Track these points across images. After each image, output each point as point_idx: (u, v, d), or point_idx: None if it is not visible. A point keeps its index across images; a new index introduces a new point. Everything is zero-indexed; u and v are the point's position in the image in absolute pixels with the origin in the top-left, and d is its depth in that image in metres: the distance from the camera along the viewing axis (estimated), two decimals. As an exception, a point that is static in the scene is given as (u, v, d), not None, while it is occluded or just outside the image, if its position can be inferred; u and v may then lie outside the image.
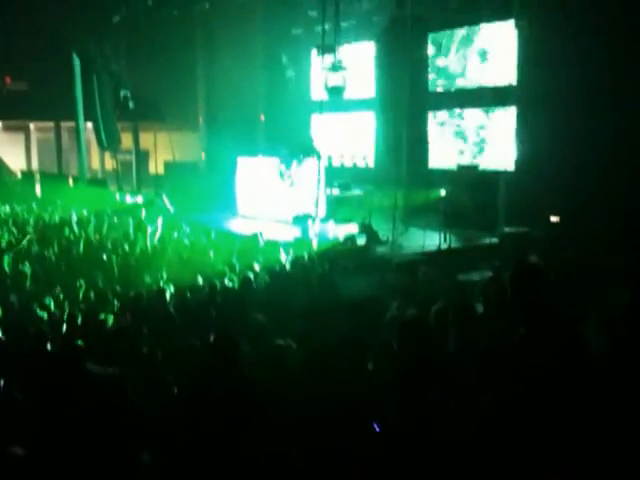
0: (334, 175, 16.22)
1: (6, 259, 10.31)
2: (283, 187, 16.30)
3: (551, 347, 3.57)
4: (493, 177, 15.04)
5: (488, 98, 15.82)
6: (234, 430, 4.25)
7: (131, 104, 21.45)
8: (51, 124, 26.41)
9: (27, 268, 9.56)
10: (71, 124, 24.45)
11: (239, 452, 4.08)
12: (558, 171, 13.07)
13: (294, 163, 16.14)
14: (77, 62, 22.15)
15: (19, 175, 23.00)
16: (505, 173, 15.15)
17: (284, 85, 19.80)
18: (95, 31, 21.32)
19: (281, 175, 16.54)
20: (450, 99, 16.75)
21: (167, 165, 23.34)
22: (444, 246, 12.98)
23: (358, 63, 18.32)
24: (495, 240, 13.14)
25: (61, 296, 8.55)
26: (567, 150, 12.93)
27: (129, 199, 18.74)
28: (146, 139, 24.82)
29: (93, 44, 21.71)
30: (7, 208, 16.49)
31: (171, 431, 4.41)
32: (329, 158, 17.74)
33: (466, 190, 14.37)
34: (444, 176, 15.73)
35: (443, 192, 14.44)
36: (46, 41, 22.61)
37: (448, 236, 13.25)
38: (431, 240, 13.05)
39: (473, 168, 15.65)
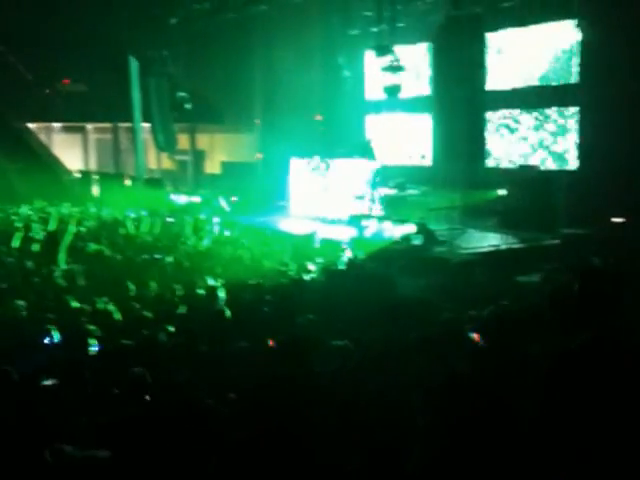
0: (390, 175, 16.05)
1: (62, 258, 10.46)
2: (339, 187, 16.20)
3: (619, 351, 3.44)
4: (553, 177, 14.70)
5: (547, 98, 15.51)
6: (302, 433, 4.18)
7: (188, 105, 21.67)
8: (109, 125, 26.89)
9: (81, 267, 9.68)
10: (129, 125, 24.85)
11: (307, 455, 4.00)
12: (620, 171, 12.72)
13: (351, 164, 16.03)
14: (134, 64, 22.49)
15: (77, 175, 23.45)
16: (565, 173, 14.80)
17: (340, 86, 19.72)
18: (153, 34, 21.60)
19: (316, 172, 16.50)
20: (508, 98, 16.50)
21: (223, 165, 23.51)
22: (502, 247, 12.69)
23: (414, 63, 18.16)
24: (555, 241, 12.80)
25: (116, 296, 8.61)
26: (630, 150, 12.56)
27: (185, 199, 18.91)
28: (203, 140, 25.07)
29: (151, 46, 22.00)
30: (65, 207, 16.79)
31: (237, 434, 4.36)
32: (385, 158, 17.57)
33: (525, 190, 14.04)
34: (502, 176, 15.45)
35: (501, 192, 14.16)
36: (104, 44, 23.02)
37: (506, 237, 12.97)
38: (489, 241, 12.79)
39: (532, 168, 15.32)
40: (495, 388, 4.10)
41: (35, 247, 11.24)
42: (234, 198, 17.83)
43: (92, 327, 6.81)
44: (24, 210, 16.19)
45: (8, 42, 24.10)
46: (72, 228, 11.91)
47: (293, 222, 15.74)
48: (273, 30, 21.36)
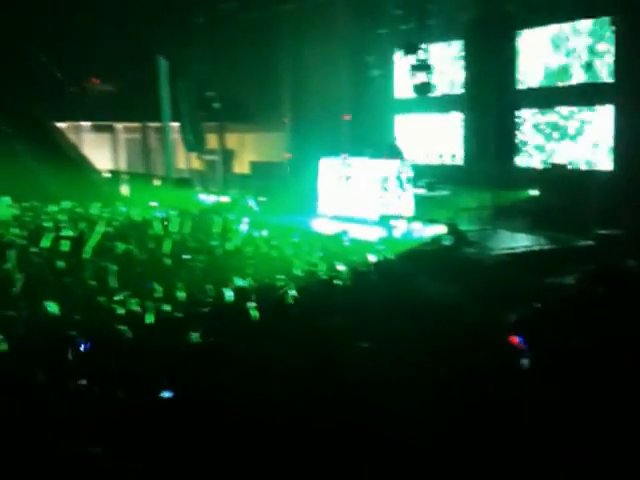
0: (420, 174, 15.90)
1: (88, 256, 10.48)
2: (368, 187, 16.09)
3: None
4: (586, 177, 14.45)
5: (580, 96, 15.28)
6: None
7: (217, 105, 21.69)
8: (138, 125, 27.04)
9: (111, 266, 9.67)
10: (158, 124, 24.95)
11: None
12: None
13: (381, 164, 15.91)
14: (163, 64, 22.57)
15: (106, 175, 23.59)
16: (598, 173, 14.55)
17: (369, 85, 19.61)
18: (181, 33, 21.66)
19: (345, 172, 16.42)
20: (540, 97, 16.29)
21: (252, 165, 23.50)
22: (534, 248, 12.50)
23: (445, 61, 18.02)
24: (588, 243, 12.58)
25: (146, 296, 8.59)
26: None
27: (214, 199, 18.92)
28: (232, 139, 25.09)
29: (179, 46, 22.07)
30: (94, 207, 16.88)
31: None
32: (415, 157, 17.45)
33: (557, 190, 13.83)
34: (534, 175, 15.24)
35: (533, 192, 13.95)
36: (133, 43, 23.15)
37: (538, 238, 12.77)
38: (520, 242, 12.61)
39: (564, 167, 15.09)
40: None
41: (65, 247, 11.27)
42: (263, 198, 17.79)
43: (123, 328, 6.81)
44: (54, 210, 16.29)
45: (38, 42, 24.34)
46: (100, 228, 11.95)
47: (322, 222, 15.67)
48: (301, 29, 21.31)
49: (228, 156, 25.31)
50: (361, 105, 19.99)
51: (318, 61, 20.76)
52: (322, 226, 14.97)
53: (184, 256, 11.03)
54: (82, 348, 6.22)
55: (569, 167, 15.10)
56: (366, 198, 16.02)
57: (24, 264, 9.86)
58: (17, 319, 7.20)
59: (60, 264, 9.88)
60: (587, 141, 15.22)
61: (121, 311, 7.56)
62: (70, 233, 12.07)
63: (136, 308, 7.73)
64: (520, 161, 16.62)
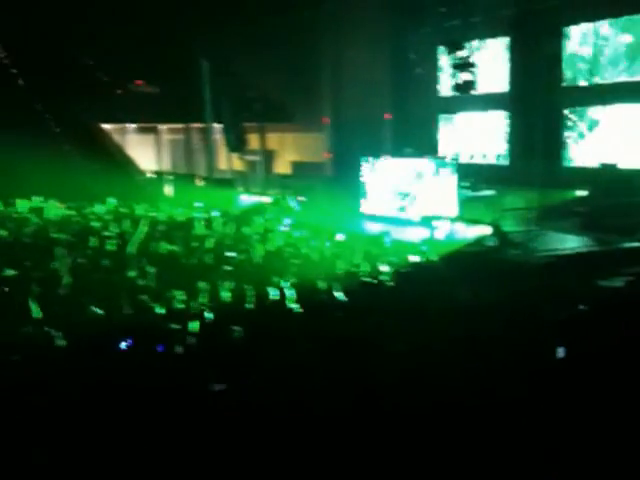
0: (464, 174, 15.70)
1: (132, 256, 10.57)
2: (411, 187, 15.96)
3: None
4: (637, 176, 14.10)
5: (629, 93, 14.93)
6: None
7: (258, 106, 21.75)
8: (181, 126, 27.30)
9: (153, 267, 9.74)
10: (201, 125, 25.13)
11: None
12: None
13: (423, 163, 15.76)
14: (205, 65, 22.73)
15: (150, 175, 23.86)
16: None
17: (411, 83, 19.45)
18: (223, 35, 21.77)
19: (387, 172, 16.27)
20: (588, 94, 15.95)
21: (293, 165, 23.51)
22: (582, 250, 12.21)
23: (489, 59, 17.79)
24: (638, 244, 12.25)
25: (187, 295, 8.62)
26: None
27: (256, 199, 18.98)
28: (273, 140, 25.15)
29: (221, 47, 22.20)
30: (138, 207, 17.06)
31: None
32: (459, 157, 17.23)
33: (607, 190, 13.50)
34: (582, 175, 14.93)
35: (581, 192, 13.66)
36: (176, 46, 23.36)
37: (586, 239, 12.48)
38: (568, 243, 12.34)
39: (614, 167, 14.74)
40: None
41: (110, 246, 11.41)
42: (303, 198, 17.77)
43: (172, 326, 6.87)
44: (99, 210, 16.52)
45: (84, 45, 24.73)
46: (144, 228, 12.05)
47: (364, 222, 15.58)
48: (342, 27, 21.25)
49: (269, 156, 25.38)
50: (403, 104, 19.85)
51: (359, 60, 20.66)
52: (364, 226, 14.88)
53: (226, 256, 11.07)
54: (124, 345, 6.26)
55: (619, 167, 14.75)
56: (408, 198, 15.88)
57: (71, 263, 9.99)
58: (65, 317, 7.29)
59: (105, 263, 9.99)
60: (637, 140, 14.87)
61: (161, 310, 7.60)
62: (115, 233, 12.22)
63: (181, 307, 7.77)
64: (567, 161, 16.32)
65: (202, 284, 8.94)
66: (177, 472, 4.08)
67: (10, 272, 9.39)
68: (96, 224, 13.90)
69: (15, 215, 15.02)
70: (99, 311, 7.42)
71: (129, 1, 22.37)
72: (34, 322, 7.15)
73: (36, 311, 7.37)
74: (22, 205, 15.92)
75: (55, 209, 16.09)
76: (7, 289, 8.55)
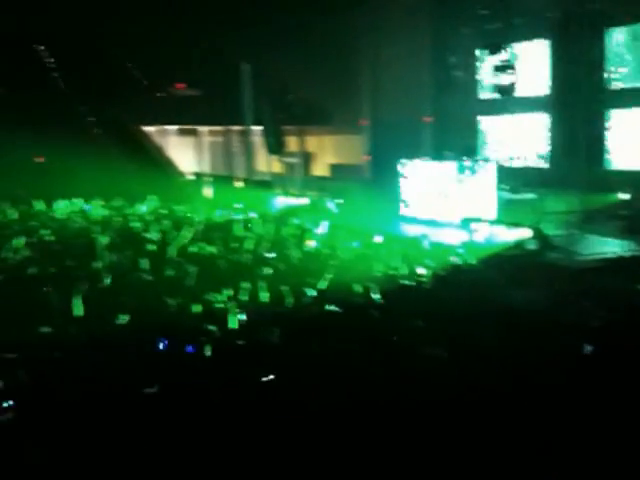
0: (505, 177, 15.53)
1: (172, 257, 10.68)
2: (450, 190, 15.84)
3: None
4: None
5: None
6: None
7: (297, 108, 21.82)
8: (221, 128, 27.52)
9: (193, 267, 9.82)
10: (240, 128, 25.30)
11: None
12: None
13: (463, 166, 15.64)
14: (246, 68, 22.87)
15: (190, 177, 24.10)
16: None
17: (451, 85, 19.31)
18: (263, 38, 21.89)
19: (426, 174, 16.17)
20: (630, 97, 15.67)
21: (331, 167, 23.52)
22: (625, 254, 11.98)
23: (530, 61, 17.59)
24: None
25: (226, 296, 8.68)
26: None
27: (294, 201, 19.02)
28: (311, 142, 25.21)
29: (261, 51, 22.31)
30: (178, 208, 17.24)
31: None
32: (499, 159, 17.06)
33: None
34: (624, 179, 14.65)
35: (624, 196, 13.41)
36: (217, 49, 23.58)
37: (630, 243, 12.25)
38: (610, 247, 12.12)
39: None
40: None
41: (151, 247, 11.55)
42: (341, 200, 17.77)
43: (211, 327, 6.93)
44: (140, 210, 16.74)
45: (125, 48, 25.08)
46: (186, 232, 12.20)
47: (402, 225, 15.52)
48: (381, 30, 21.21)
49: (307, 158, 25.45)
50: (442, 106, 19.71)
51: (398, 62, 20.60)
52: (402, 229, 14.82)
53: (265, 258, 11.12)
54: (161, 346, 6.31)
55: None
56: (447, 201, 15.78)
57: (112, 263, 10.14)
58: (104, 316, 7.40)
59: (144, 264, 10.11)
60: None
61: (198, 308, 7.66)
62: (156, 233, 12.37)
63: (220, 307, 7.84)
64: (610, 163, 16.04)
65: (241, 285, 9.01)
66: (227, 467, 4.10)
67: (52, 270, 9.57)
68: (137, 224, 14.09)
69: (57, 215, 15.28)
70: (124, 318, 7.44)
71: (171, 5, 22.63)
72: (75, 320, 7.27)
73: (77, 310, 7.49)
74: (64, 205, 16.20)
75: (97, 209, 16.35)
76: (50, 288, 8.71)
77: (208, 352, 6.25)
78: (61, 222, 14.42)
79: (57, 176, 17.38)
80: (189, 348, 6.29)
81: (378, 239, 12.84)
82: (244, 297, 8.66)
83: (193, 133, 28.79)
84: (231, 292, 8.69)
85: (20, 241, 11.30)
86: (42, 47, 25.73)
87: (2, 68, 22.96)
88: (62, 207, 15.84)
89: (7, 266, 10.10)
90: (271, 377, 5.48)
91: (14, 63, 23.16)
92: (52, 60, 25.77)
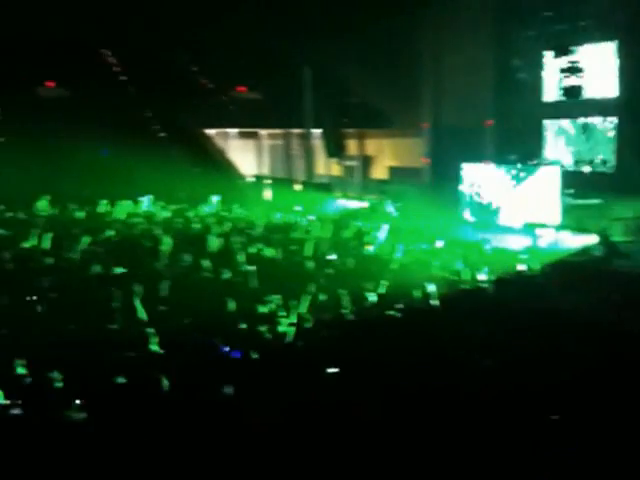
0: (569, 181, 15.19)
1: (232, 259, 10.77)
2: (513, 194, 15.59)
3: None
4: None
5: None
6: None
7: (357, 112, 21.81)
8: (281, 131, 27.69)
9: (253, 269, 9.89)
10: (300, 131, 25.41)
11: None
12: None
13: (526, 170, 15.38)
14: (307, 72, 22.98)
15: (250, 179, 24.34)
16: None
17: (515, 89, 18.97)
18: (324, 42, 21.94)
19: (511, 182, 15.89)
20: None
21: (390, 170, 23.41)
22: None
23: (598, 63, 17.16)
24: None
25: (285, 298, 8.71)
26: None
27: (353, 204, 19.03)
28: (371, 145, 25.14)
29: (321, 54, 22.38)
30: (238, 211, 17.42)
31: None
32: (563, 164, 16.70)
33: None
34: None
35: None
36: (278, 52, 23.74)
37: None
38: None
39: None
40: None
41: (212, 248, 11.68)
42: (401, 204, 17.68)
43: (263, 328, 6.95)
44: (201, 212, 16.97)
45: (190, 52, 25.50)
46: (246, 234, 12.33)
47: (463, 229, 15.33)
48: (443, 32, 21.03)
49: (367, 161, 25.39)
50: (506, 110, 19.38)
51: (460, 64, 20.37)
52: (464, 233, 14.64)
53: (324, 260, 11.13)
54: (225, 351, 6.31)
55: None
56: (510, 205, 15.53)
57: (174, 264, 10.30)
58: (167, 317, 7.50)
59: (207, 264, 10.23)
60: None
61: (264, 309, 7.70)
62: (216, 235, 12.52)
63: (280, 309, 7.87)
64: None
65: (300, 287, 9.03)
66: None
67: (118, 270, 9.76)
68: (198, 226, 14.29)
69: (121, 216, 15.59)
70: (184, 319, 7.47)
71: (234, 9, 22.90)
72: (138, 322, 7.37)
73: (140, 311, 7.59)
74: (128, 206, 16.52)
75: (159, 211, 16.64)
76: (114, 288, 8.89)
77: (263, 355, 6.25)
78: (125, 223, 14.72)
79: (121, 178, 17.77)
80: (236, 352, 6.29)
81: (438, 243, 12.72)
82: (303, 300, 8.68)
83: (253, 136, 29.05)
84: (290, 294, 8.71)
85: (85, 240, 11.56)
86: (110, 52, 26.39)
87: (72, 72, 23.63)
88: (126, 208, 16.15)
89: (73, 265, 10.35)
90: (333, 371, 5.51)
91: (83, 68, 23.79)
92: (119, 64, 26.40)
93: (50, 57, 23.13)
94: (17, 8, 22.36)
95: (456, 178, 17.08)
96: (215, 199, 18.26)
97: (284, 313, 7.84)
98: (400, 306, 8.37)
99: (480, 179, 16.47)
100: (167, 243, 11.71)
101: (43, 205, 15.93)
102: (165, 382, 5.19)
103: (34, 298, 8.22)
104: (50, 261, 10.40)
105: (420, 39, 21.96)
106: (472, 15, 19.52)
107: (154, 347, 6.37)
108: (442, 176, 18.98)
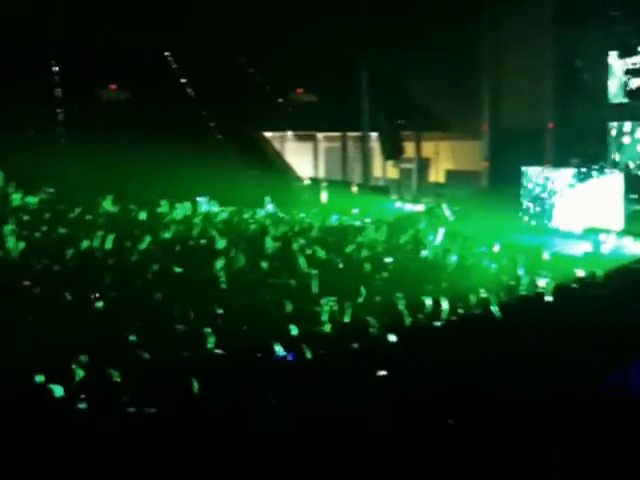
0: (634, 186, 14.80)
1: (289, 261, 10.83)
2: (574, 198, 15.28)
3: None
4: None
5: None
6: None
7: (415, 114, 21.69)
8: (338, 134, 27.69)
9: (309, 271, 9.93)
10: (357, 134, 25.40)
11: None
12: None
13: (588, 174, 15.06)
14: (363, 75, 22.95)
15: (306, 182, 24.40)
16: None
17: (577, 90, 18.57)
18: (381, 45, 21.90)
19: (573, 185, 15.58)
20: None
21: (448, 174, 23.21)
22: None
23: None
24: None
25: (341, 301, 8.72)
26: None
27: (410, 208, 18.92)
28: (428, 148, 24.97)
29: (379, 57, 22.32)
30: (295, 213, 17.49)
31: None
32: (628, 167, 16.28)
33: None
34: None
35: None
36: (334, 54, 23.79)
37: None
38: None
39: None
40: None
41: (269, 249, 11.77)
42: (458, 207, 17.50)
43: (325, 328, 6.99)
44: (258, 214, 17.12)
45: (249, 54, 25.78)
46: (302, 237, 12.39)
47: (522, 233, 15.10)
48: (503, 34, 20.75)
49: (424, 164, 25.22)
50: (568, 112, 18.98)
51: (520, 65, 20.06)
52: (522, 238, 14.41)
53: (380, 264, 11.10)
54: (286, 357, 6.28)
55: None
56: (571, 210, 15.23)
57: (231, 265, 10.41)
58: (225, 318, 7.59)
59: (264, 266, 10.32)
60: None
61: (325, 316, 7.71)
62: (273, 237, 12.61)
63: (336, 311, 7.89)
64: None
65: (356, 290, 9.03)
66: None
67: (178, 270, 9.92)
68: (255, 227, 14.41)
69: (180, 217, 15.82)
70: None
71: (291, 12, 23.06)
72: (192, 322, 7.45)
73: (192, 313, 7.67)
74: (187, 208, 16.76)
75: (217, 212, 16.84)
76: (173, 287, 9.04)
77: (320, 358, 6.26)
78: (184, 224, 14.94)
79: (180, 180, 18.05)
80: (291, 355, 6.26)
81: (496, 248, 12.55)
82: (360, 302, 8.69)
83: (310, 139, 29.14)
84: (346, 297, 8.72)
85: (146, 240, 11.78)
86: (170, 56, 26.89)
87: (135, 77, 24.17)
88: (184, 209, 16.39)
89: (135, 264, 10.57)
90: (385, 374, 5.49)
91: (146, 72, 24.30)
92: (179, 68, 26.87)
93: (114, 62, 23.70)
94: (84, 17, 23.04)
95: (516, 182, 16.84)
96: (271, 201, 18.41)
97: (340, 315, 7.86)
98: (457, 311, 8.30)
99: (541, 183, 16.19)
100: (225, 244, 11.86)
101: (106, 205, 16.30)
102: (221, 383, 5.25)
103: (96, 295, 8.42)
104: (112, 260, 10.64)
105: (480, 40, 21.71)
106: (533, 16, 19.20)
107: (212, 347, 6.43)
108: (501, 179, 18.72)
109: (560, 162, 16.19)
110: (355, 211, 17.60)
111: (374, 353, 6.45)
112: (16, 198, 16.35)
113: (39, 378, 5.10)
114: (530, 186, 16.44)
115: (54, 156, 19.11)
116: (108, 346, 6.16)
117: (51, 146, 20.95)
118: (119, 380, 5.29)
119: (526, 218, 16.35)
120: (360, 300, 8.87)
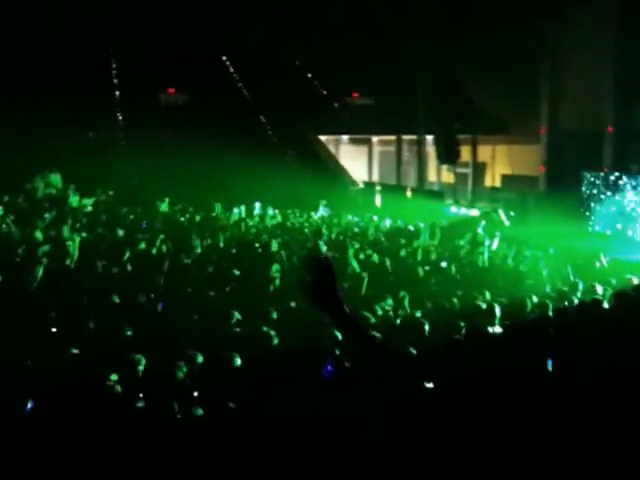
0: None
1: (343, 265, 10.81)
2: (635, 203, 14.92)
3: None
4: None
5: None
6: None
7: (471, 118, 21.51)
8: (392, 137, 27.64)
9: (365, 274, 9.91)
10: (411, 137, 25.30)
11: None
12: None
13: (625, 177, 14.69)
14: (420, 77, 22.85)
15: (360, 186, 24.39)
16: None
17: (637, 94, 18.14)
18: (438, 46, 21.78)
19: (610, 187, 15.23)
20: None
21: (504, 178, 22.92)
22: None
23: None
24: None
25: (392, 303, 8.69)
26: None
27: (464, 212, 18.74)
28: (483, 152, 24.71)
29: (436, 61, 22.19)
30: (349, 218, 17.50)
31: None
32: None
33: None
34: None
35: None
36: (391, 57, 23.76)
37: None
38: None
39: None
40: None
41: (322, 253, 11.78)
42: (514, 212, 17.26)
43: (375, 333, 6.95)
44: (312, 217, 17.18)
45: (306, 59, 25.96)
46: (357, 240, 12.38)
47: (580, 239, 14.79)
48: (561, 36, 20.42)
49: (479, 169, 24.97)
50: (629, 116, 18.55)
51: (579, 68, 19.71)
52: (581, 243, 14.12)
53: (434, 268, 11.02)
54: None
55: None
56: (632, 215, 14.86)
57: (285, 269, 10.46)
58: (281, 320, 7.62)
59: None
60: None
61: (372, 320, 7.68)
62: (327, 240, 12.65)
63: (389, 315, 7.86)
64: None
65: (410, 294, 8.98)
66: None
67: (235, 272, 10.02)
68: (309, 231, 14.46)
69: (234, 220, 15.97)
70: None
71: (347, 16, 23.15)
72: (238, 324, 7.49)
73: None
74: (241, 211, 16.92)
75: (271, 215, 16.97)
76: (229, 288, 9.14)
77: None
78: (238, 226, 15.08)
79: (237, 183, 18.24)
80: (329, 367, 6.19)
81: (552, 253, 12.34)
82: (413, 307, 8.63)
83: (365, 142, 29.15)
84: (400, 301, 8.69)
85: (198, 243, 11.91)
86: (228, 60, 27.27)
87: (193, 81, 24.58)
88: (239, 212, 16.54)
89: (190, 266, 10.71)
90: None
91: (202, 74, 24.68)
92: (237, 72, 27.22)
93: (173, 66, 24.15)
94: (144, 22, 23.55)
95: (574, 186, 16.51)
96: (326, 205, 18.45)
97: (395, 319, 7.83)
98: (511, 316, 8.17)
99: (600, 187, 15.84)
100: (278, 247, 11.93)
101: (163, 207, 16.58)
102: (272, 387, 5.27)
103: (152, 296, 8.54)
104: (168, 262, 10.79)
105: (538, 43, 21.40)
106: (592, 18, 18.87)
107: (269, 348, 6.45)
108: (559, 183, 18.40)
109: (620, 166, 15.80)
110: (409, 215, 17.51)
111: (429, 356, 6.40)
112: (75, 200, 16.77)
113: (114, 377, 5.18)
114: (589, 191, 16.09)
115: (113, 159, 19.57)
116: (164, 347, 6.25)
117: (110, 149, 21.47)
118: (179, 379, 5.38)
119: (584, 222, 16.01)
120: (414, 304, 8.82)
